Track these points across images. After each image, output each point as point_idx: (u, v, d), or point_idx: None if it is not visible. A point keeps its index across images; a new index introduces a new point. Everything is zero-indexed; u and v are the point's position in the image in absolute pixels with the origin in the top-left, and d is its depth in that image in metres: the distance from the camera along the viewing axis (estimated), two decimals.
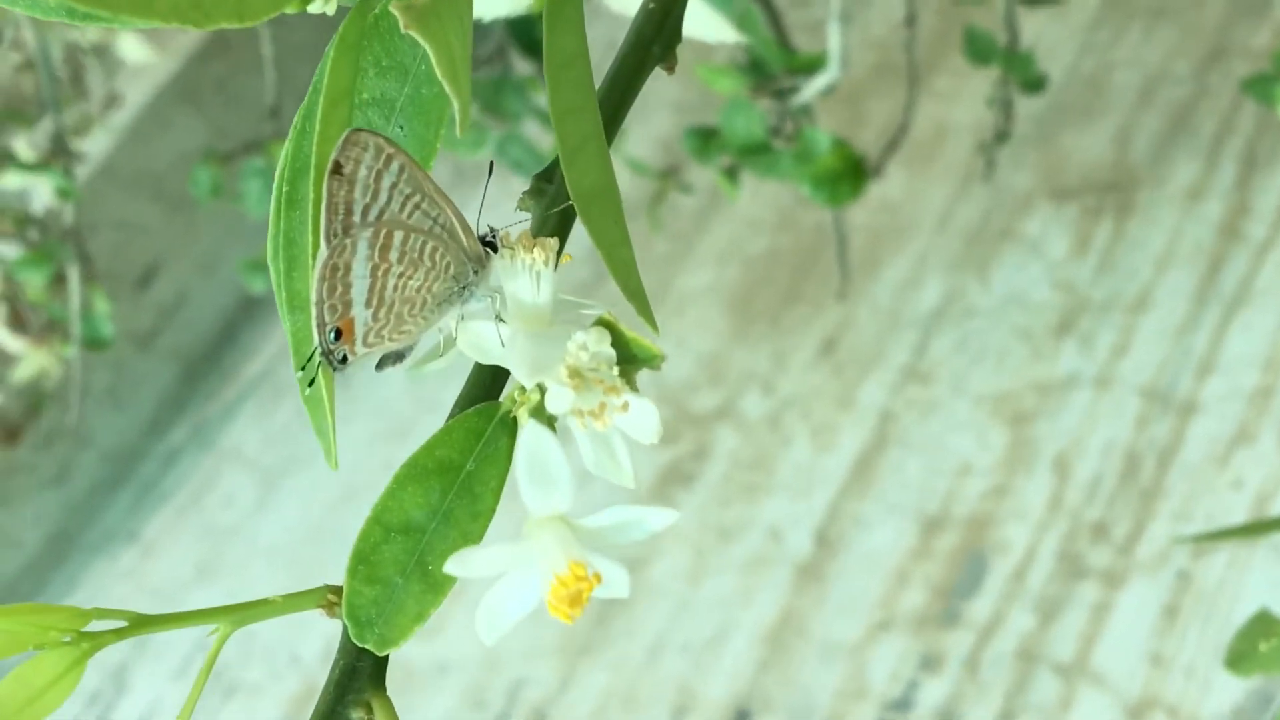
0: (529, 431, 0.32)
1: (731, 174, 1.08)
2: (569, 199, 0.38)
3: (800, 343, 1.35)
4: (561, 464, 0.32)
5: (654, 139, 1.50)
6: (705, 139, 1.08)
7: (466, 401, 0.38)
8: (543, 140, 1.17)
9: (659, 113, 1.53)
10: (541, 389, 0.34)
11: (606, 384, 0.34)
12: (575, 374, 0.33)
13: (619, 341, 0.34)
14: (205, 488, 1.49)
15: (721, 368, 1.37)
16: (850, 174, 1.06)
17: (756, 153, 1.04)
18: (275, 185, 0.38)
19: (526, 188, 0.41)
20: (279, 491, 1.44)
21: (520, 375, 0.34)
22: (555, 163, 0.41)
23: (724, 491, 1.28)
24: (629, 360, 0.34)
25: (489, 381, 0.38)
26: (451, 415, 0.38)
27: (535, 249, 0.35)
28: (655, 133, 1.51)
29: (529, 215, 0.41)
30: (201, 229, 1.52)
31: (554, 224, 0.40)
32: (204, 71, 1.51)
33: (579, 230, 0.41)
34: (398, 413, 1.42)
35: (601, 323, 0.34)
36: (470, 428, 0.36)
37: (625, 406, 0.34)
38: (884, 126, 1.39)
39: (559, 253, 0.36)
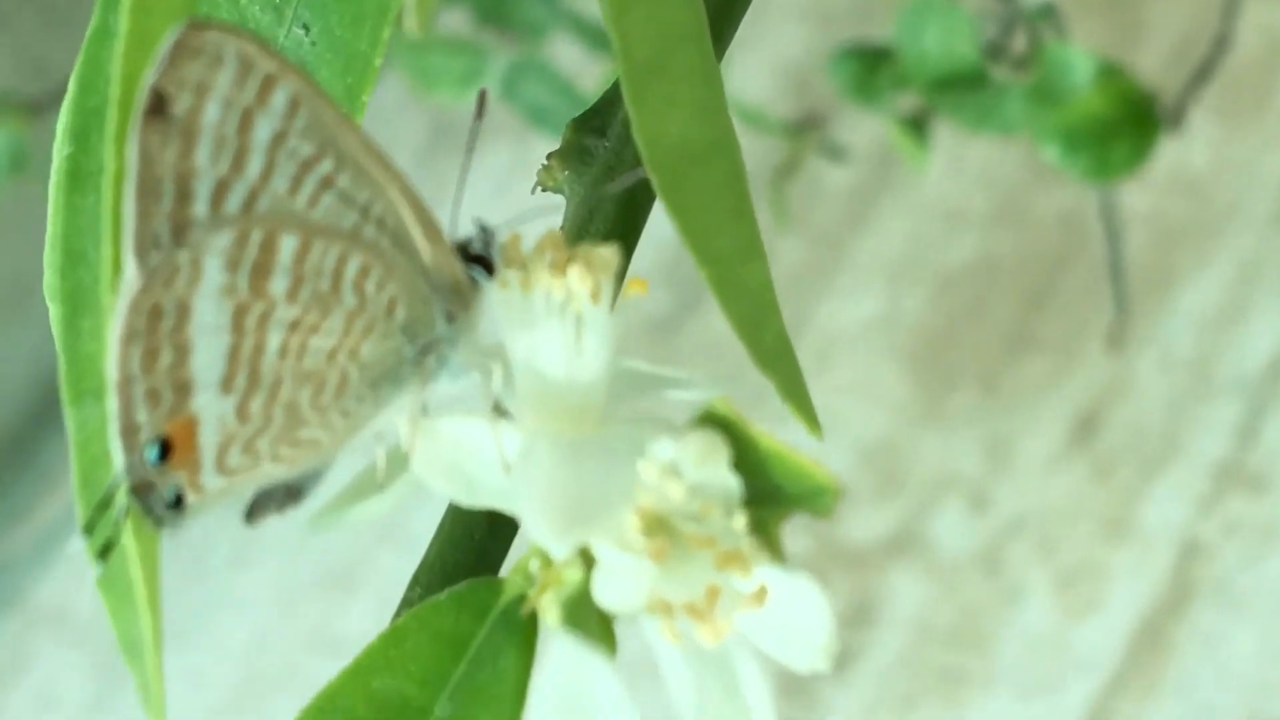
0: (563, 655, 0.29)
1: (917, 126, 1.05)
2: (638, 164, 0.36)
3: (1036, 422, 1.32)
4: None
5: (776, 68, 1.50)
6: (870, 66, 1.06)
7: (437, 573, 0.36)
8: (582, 70, 1.14)
9: (783, 23, 1.52)
10: (587, 558, 0.32)
11: (721, 548, 0.31)
12: (657, 526, 0.31)
13: (747, 457, 0.31)
14: (9, 674, 1.46)
15: (897, 464, 1.35)
16: (1130, 125, 1.03)
17: (963, 88, 1.01)
18: (56, 142, 0.35)
19: (554, 147, 0.40)
20: (129, 684, 1.41)
21: (542, 529, 0.30)
22: (608, 98, 0.40)
23: (904, 682, 1.26)
24: (769, 497, 0.31)
25: (481, 534, 0.36)
26: (406, 603, 0.36)
27: (573, 268, 0.32)
28: (778, 58, 1.50)
29: (561, 199, 0.39)
30: None
31: (610, 216, 0.38)
32: None
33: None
34: (337, 541, 1.40)
35: (711, 420, 0.31)
36: (441, 631, 0.34)
37: (760, 595, 0.31)
38: (1179, 43, 1.37)
39: (622, 275, 0.33)
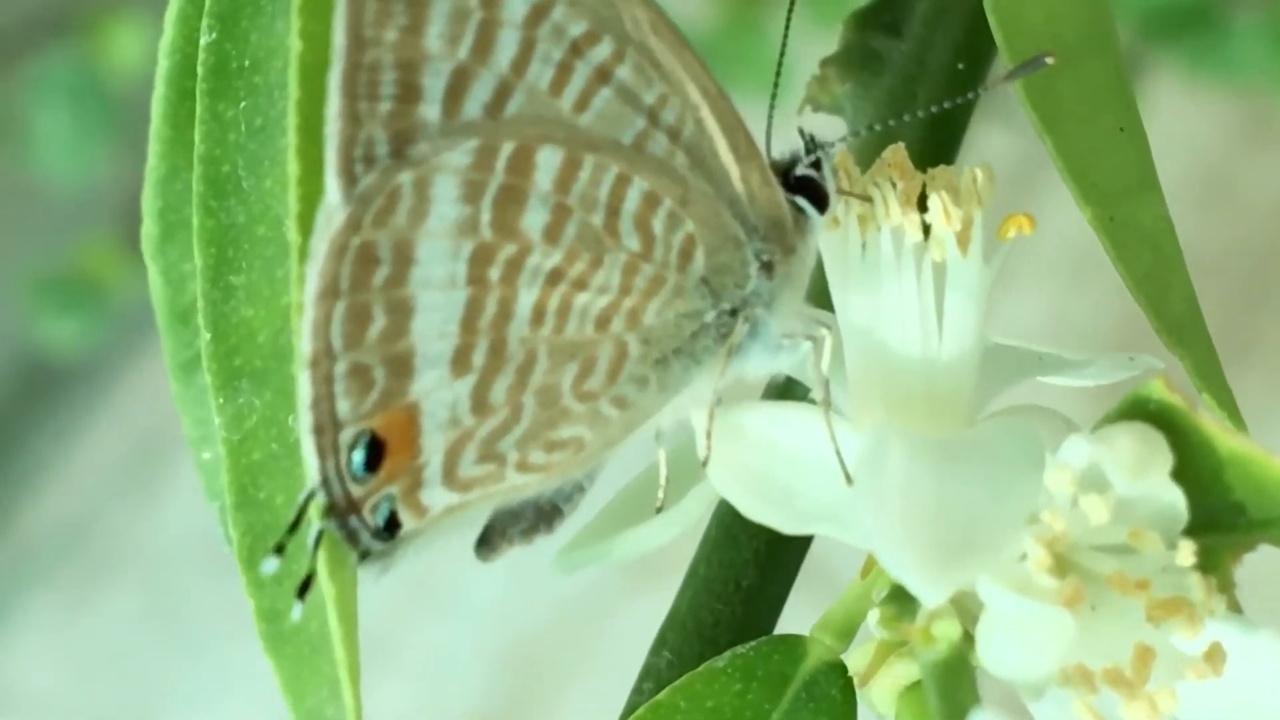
0: None
1: None
2: (948, 71, 0.34)
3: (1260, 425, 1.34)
4: None
5: None
6: None
7: (692, 631, 0.32)
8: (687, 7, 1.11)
9: None
10: (966, 612, 0.27)
11: (1158, 592, 0.25)
12: (1066, 564, 0.25)
13: (1195, 464, 0.26)
14: None
15: None
16: None
17: (1186, 27, 1.00)
18: (167, 37, 0.29)
19: (827, 54, 0.35)
20: None
21: (908, 565, 0.25)
22: None
23: None
24: (1224, 521, 0.26)
25: (750, 579, 0.32)
26: (650, 671, 0.32)
27: (934, 199, 0.26)
28: None
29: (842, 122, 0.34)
30: None
31: (917, 142, 0.32)
32: None
33: None
34: (367, 601, 1.48)
35: (1141, 410, 0.27)
36: (722, 709, 0.29)
37: (1214, 659, 0.25)
38: None
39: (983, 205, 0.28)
